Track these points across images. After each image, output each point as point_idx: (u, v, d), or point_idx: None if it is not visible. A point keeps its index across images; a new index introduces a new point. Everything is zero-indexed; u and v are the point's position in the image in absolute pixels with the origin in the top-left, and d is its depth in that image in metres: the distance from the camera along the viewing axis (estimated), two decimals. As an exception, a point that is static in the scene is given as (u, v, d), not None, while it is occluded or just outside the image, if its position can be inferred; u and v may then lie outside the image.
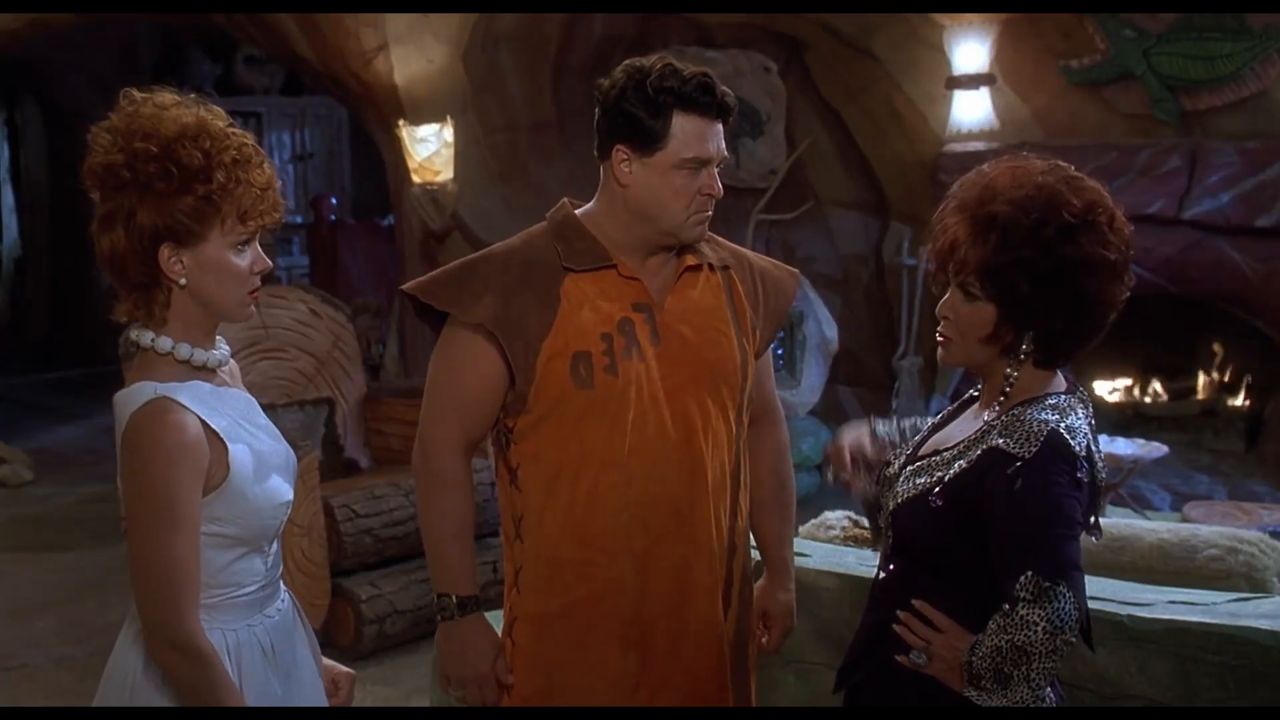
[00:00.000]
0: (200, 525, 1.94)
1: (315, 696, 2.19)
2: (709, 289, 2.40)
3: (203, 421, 1.94)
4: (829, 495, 6.70)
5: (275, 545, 2.10)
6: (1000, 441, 1.92)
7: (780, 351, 6.59)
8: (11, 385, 10.22)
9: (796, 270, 2.63)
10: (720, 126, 2.29)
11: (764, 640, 2.58)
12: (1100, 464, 2.00)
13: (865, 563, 3.17)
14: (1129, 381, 7.06)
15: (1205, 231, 6.39)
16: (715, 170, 2.30)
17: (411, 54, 6.23)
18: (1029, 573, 1.82)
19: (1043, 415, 1.93)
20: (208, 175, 1.92)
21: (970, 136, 6.84)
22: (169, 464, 1.90)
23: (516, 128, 6.71)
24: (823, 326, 6.62)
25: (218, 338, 2.09)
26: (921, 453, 2.11)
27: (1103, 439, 5.00)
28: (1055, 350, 1.99)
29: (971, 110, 6.80)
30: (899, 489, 2.07)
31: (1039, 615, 1.82)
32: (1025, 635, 1.83)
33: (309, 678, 2.19)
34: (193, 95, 2.04)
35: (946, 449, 2.05)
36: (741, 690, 2.46)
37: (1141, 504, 5.58)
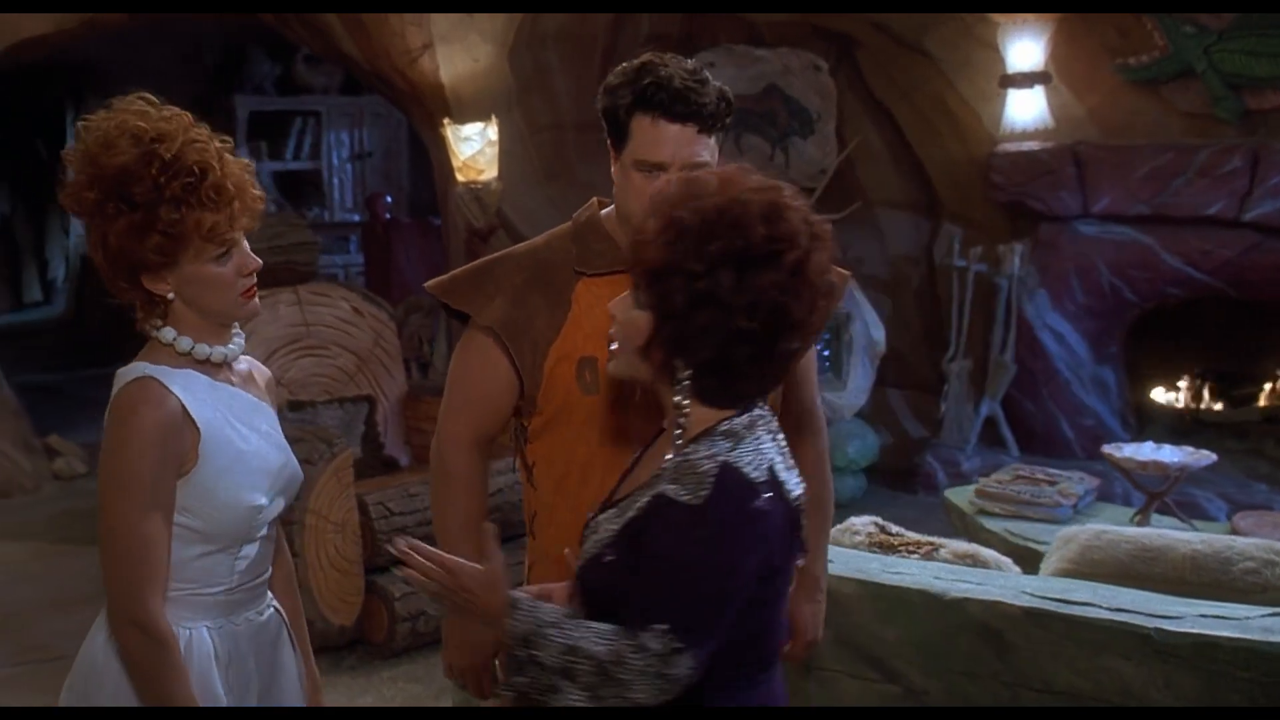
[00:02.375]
0: (173, 510, 1.96)
1: None
2: None
3: (185, 408, 1.96)
4: (876, 499, 6.62)
5: (251, 550, 2.08)
6: (669, 488, 1.73)
7: (826, 353, 6.52)
8: (72, 380, 10.39)
9: (847, 271, 2.50)
10: (691, 131, 2.18)
11: (785, 649, 2.54)
12: (794, 480, 1.82)
13: (889, 570, 3.11)
14: (1187, 388, 6.89)
15: (1266, 234, 6.22)
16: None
17: (457, 53, 6.24)
18: (666, 626, 1.66)
19: (713, 449, 1.74)
20: (154, 213, 1.93)
21: (1024, 136, 6.72)
22: (144, 443, 1.93)
23: (563, 126, 6.71)
24: (870, 328, 6.54)
25: (235, 334, 2.11)
26: (617, 496, 1.92)
27: (1148, 446, 4.91)
28: (717, 386, 1.78)
29: (1026, 109, 6.68)
30: (592, 541, 1.86)
31: (650, 671, 1.66)
32: (623, 674, 1.67)
33: (282, 701, 2.17)
34: (147, 101, 2.01)
35: (630, 495, 1.85)
36: None
37: (1195, 512, 5.44)
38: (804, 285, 1.73)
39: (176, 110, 2.00)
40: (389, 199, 10.59)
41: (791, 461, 1.85)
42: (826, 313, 1.79)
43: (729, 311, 1.71)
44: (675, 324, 1.74)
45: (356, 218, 10.99)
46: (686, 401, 1.79)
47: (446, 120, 6.25)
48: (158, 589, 1.94)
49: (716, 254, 1.71)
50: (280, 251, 5.39)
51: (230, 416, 2.05)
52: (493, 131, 6.18)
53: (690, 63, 2.24)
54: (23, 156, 11.49)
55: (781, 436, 1.86)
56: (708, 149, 2.20)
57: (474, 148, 6.10)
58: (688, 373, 1.77)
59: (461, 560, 1.79)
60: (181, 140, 1.95)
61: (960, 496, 4.81)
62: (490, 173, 6.17)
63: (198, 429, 1.98)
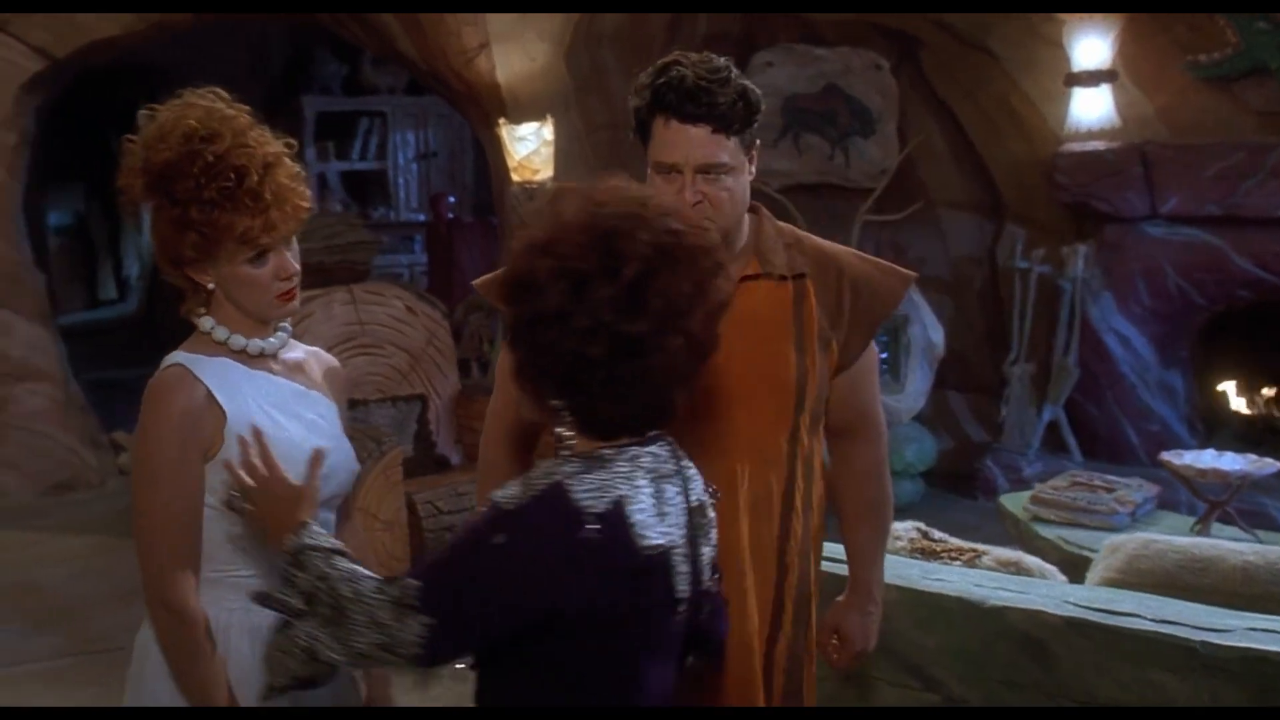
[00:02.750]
0: (202, 493, 2.01)
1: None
2: (771, 300, 2.28)
3: (210, 394, 2.00)
4: (933, 504, 6.52)
5: None
6: (500, 492, 1.69)
7: (884, 355, 6.44)
8: (143, 376, 10.60)
9: (911, 273, 2.46)
10: (704, 132, 2.12)
11: (834, 657, 2.48)
12: (656, 530, 1.70)
13: (929, 576, 3.06)
14: (1258, 393, 6.71)
15: (1341, 236, 6.04)
16: (693, 179, 2.14)
17: (513, 52, 6.25)
18: (419, 584, 1.63)
19: (558, 466, 1.69)
20: (189, 212, 1.98)
21: (1090, 135, 6.59)
22: (169, 428, 1.98)
23: (619, 126, 6.67)
24: (928, 330, 6.44)
25: (281, 326, 2.15)
26: None
27: (1209, 453, 4.77)
28: (584, 417, 1.71)
29: (1092, 108, 6.55)
30: None
31: (378, 618, 1.64)
32: (354, 614, 1.65)
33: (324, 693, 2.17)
34: (217, 96, 2.05)
35: None
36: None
37: (1263, 522, 5.29)
38: (641, 305, 1.63)
39: (240, 110, 2.03)
40: (452, 199, 10.65)
41: (669, 511, 1.73)
42: (687, 334, 1.68)
43: (566, 332, 1.65)
44: (523, 347, 1.70)
45: (421, 217, 11.06)
46: (569, 434, 1.73)
47: (502, 120, 6.26)
48: (187, 570, 1.98)
49: (550, 270, 1.65)
50: (337, 250, 5.46)
51: (265, 404, 2.07)
52: (548, 131, 6.17)
53: (720, 60, 2.18)
54: (98, 156, 11.73)
55: (673, 485, 1.76)
56: (726, 151, 2.14)
57: (529, 147, 6.10)
58: (559, 403, 1.71)
59: (283, 471, 1.86)
60: (230, 143, 1.98)
61: (1015, 503, 4.73)
62: (546, 172, 6.17)
63: (223, 413, 2.01)
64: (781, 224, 2.38)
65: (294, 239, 2.09)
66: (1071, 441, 6.69)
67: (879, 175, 7.14)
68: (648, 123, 2.17)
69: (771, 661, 2.31)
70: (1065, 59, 6.56)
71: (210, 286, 2.04)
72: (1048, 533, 4.38)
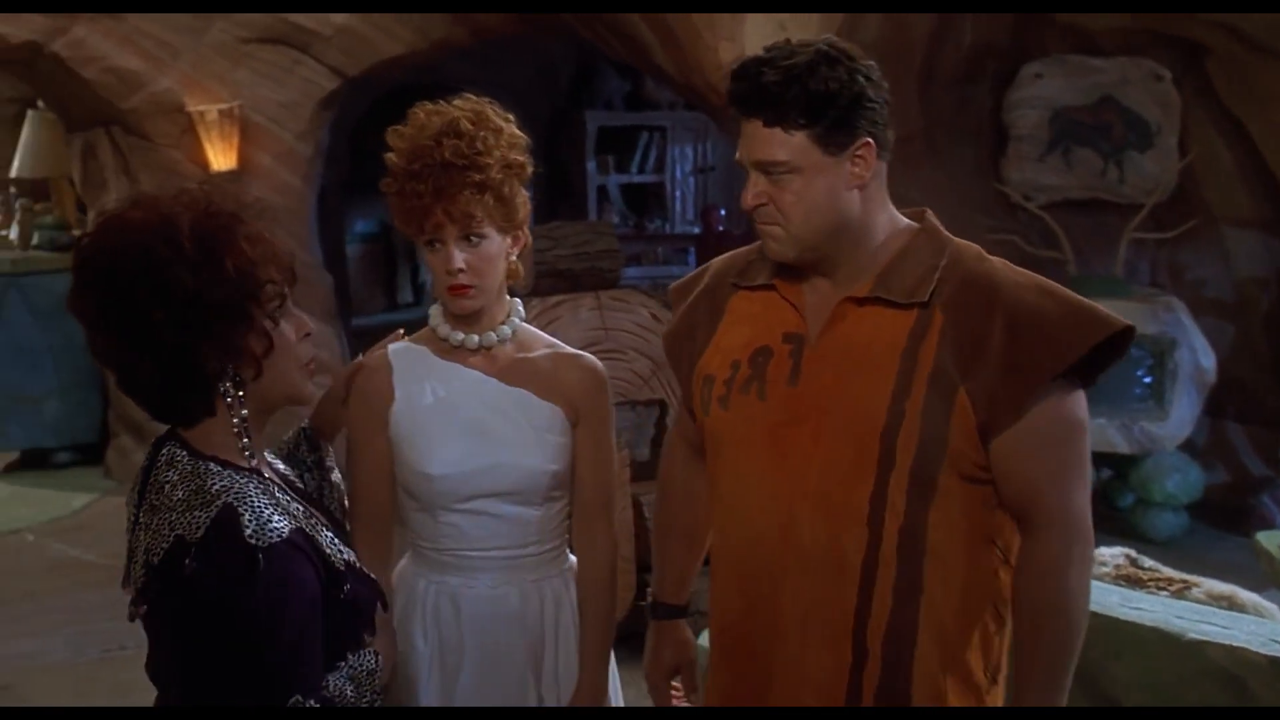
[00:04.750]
0: (381, 464, 2.24)
1: (476, 693, 2.24)
2: (883, 329, 1.93)
3: (391, 378, 2.23)
4: (1199, 539, 6.13)
5: (455, 519, 2.22)
6: None
7: (1148, 380, 6.09)
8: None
9: (1123, 322, 1.90)
10: (757, 125, 1.92)
11: None
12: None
13: (1128, 604, 2.91)
14: None
15: None
16: (755, 179, 1.96)
17: (768, 66, 6.25)
18: None
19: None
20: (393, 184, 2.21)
21: (1399, 148, 6.05)
22: (353, 406, 2.24)
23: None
24: (1198, 355, 6.05)
25: (501, 324, 2.28)
26: None
27: None
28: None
29: (1401, 118, 6.01)
30: None
31: None
32: None
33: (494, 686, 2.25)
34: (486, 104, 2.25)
35: None
36: None
37: None
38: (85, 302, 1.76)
39: (492, 121, 2.20)
40: (723, 211, 10.77)
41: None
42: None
43: None
44: None
45: (697, 230, 11.24)
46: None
47: (753, 133, 6.25)
48: (360, 531, 2.18)
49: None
50: (586, 258, 5.64)
51: (446, 391, 2.23)
52: (800, 143, 6.13)
53: (804, 46, 1.93)
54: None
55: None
56: (785, 148, 1.90)
57: (779, 159, 6.07)
58: None
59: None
60: (431, 133, 2.16)
61: (1272, 540, 4.39)
62: (796, 184, 6.13)
63: (393, 396, 2.22)
64: (964, 244, 2.01)
65: (491, 249, 2.20)
66: (1364, 481, 6.15)
67: (1156, 191, 6.77)
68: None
69: None
70: (1374, 65, 6.06)
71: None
72: (1305, 574, 4.06)
